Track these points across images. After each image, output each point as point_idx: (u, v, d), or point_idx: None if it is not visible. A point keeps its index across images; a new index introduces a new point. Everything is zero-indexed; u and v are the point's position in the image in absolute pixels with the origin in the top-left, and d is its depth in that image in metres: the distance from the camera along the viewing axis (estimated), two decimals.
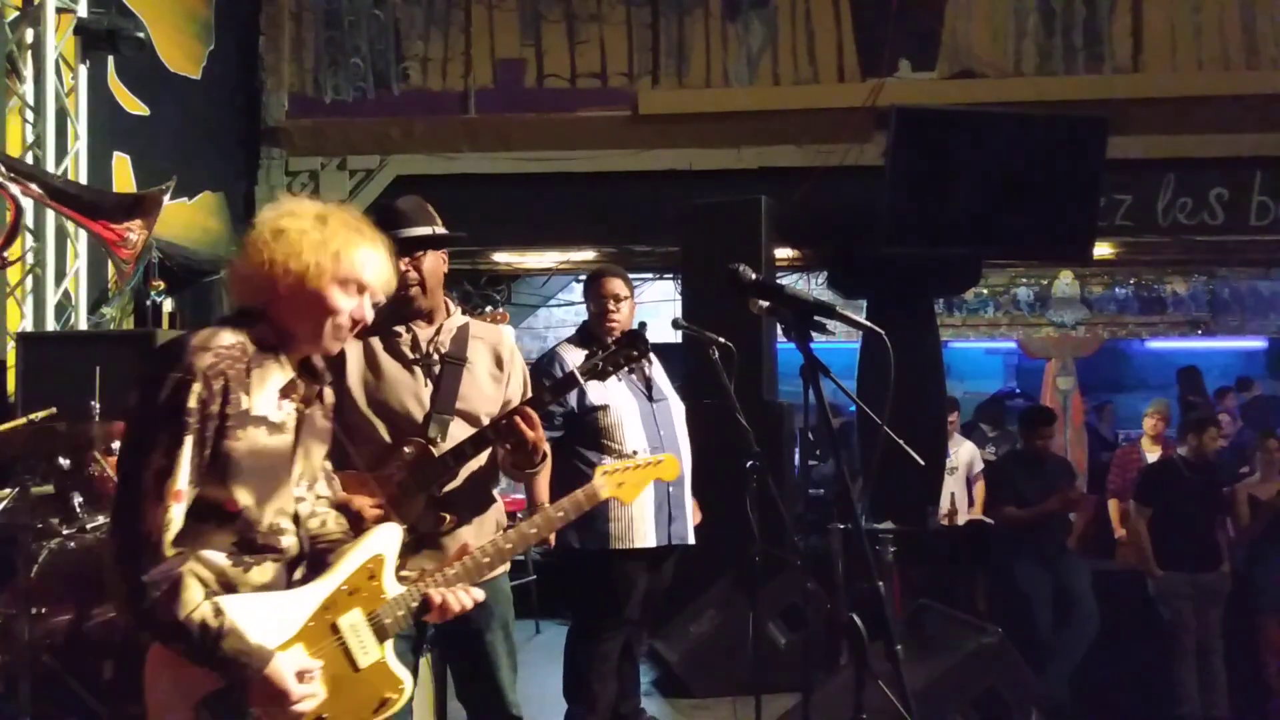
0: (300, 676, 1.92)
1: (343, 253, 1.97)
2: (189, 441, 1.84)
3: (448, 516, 2.74)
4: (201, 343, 1.88)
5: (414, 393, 2.78)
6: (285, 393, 1.99)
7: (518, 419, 2.66)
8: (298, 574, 2.04)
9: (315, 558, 2.08)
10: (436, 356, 2.82)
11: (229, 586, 1.92)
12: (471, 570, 2.22)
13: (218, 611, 1.84)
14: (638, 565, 4.06)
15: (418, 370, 2.81)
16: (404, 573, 2.18)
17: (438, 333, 2.86)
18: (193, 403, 1.84)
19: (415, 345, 2.83)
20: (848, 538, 5.45)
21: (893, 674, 1.98)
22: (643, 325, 3.76)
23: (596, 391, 3.85)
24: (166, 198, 4.71)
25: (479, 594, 2.21)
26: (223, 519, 1.91)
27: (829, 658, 4.60)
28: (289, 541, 2.01)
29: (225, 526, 1.92)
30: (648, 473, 2.60)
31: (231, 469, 1.90)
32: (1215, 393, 9.51)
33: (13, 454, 3.65)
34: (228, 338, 1.91)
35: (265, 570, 1.97)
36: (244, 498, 1.92)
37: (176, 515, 1.83)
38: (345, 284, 1.98)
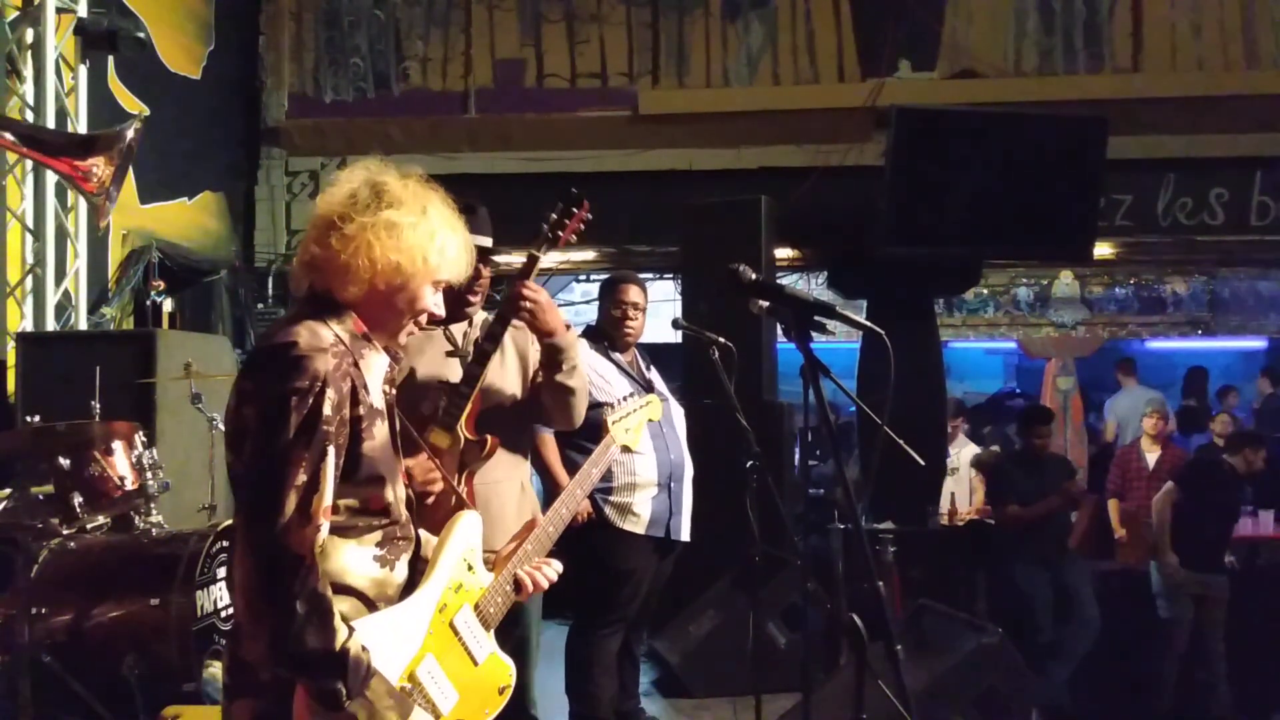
0: (432, 678, 1.89)
1: (445, 255, 1.90)
2: (330, 453, 1.73)
3: (489, 438, 2.79)
4: (312, 345, 1.75)
5: (446, 381, 2.88)
6: (387, 379, 1.93)
7: (520, 287, 2.74)
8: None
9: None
10: (472, 351, 2.90)
11: (378, 597, 1.85)
12: (544, 543, 2.24)
13: (363, 647, 1.74)
14: (644, 548, 4.08)
15: (455, 364, 2.91)
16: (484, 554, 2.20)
17: (470, 325, 3.00)
18: (328, 410, 1.73)
19: (451, 339, 2.96)
20: (848, 538, 5.48)
21: (893, 674, 1.99)
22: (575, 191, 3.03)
23: (601, 390, 3.86)
24: (130, 132, 4.64)
25: (558, 565, 2.21)
26: (371, 519, 1.86)
27: (829, 658, 4.61)
28: (411, 529, 1.96)
29: (374, 527, 1.86)
30: (642, 414, 2.71)
31: (367, 467, 1.82)
32: (1217, 392, 9.53)
33: (13, 454, 3.64)
34: (328, 334, 1.80)
35: (402, 566, 1.92)
36: (388, 494, 1.87)
37: (324, 534, 1.74)
38: (437, 283, 1.93)
